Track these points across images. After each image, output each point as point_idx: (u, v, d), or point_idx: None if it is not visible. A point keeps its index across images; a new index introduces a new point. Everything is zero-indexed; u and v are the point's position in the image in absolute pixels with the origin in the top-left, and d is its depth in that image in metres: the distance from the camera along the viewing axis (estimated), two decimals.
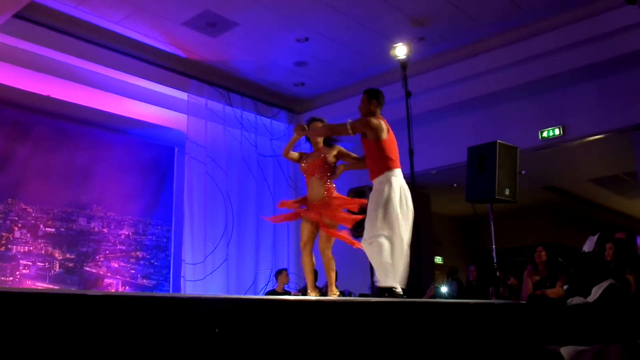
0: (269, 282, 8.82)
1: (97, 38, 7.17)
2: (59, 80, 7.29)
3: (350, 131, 4.48)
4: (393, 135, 4.53)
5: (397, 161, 4.45)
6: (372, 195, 4.39)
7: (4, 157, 7.44)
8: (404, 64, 6.10)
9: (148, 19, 7.02)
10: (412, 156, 5.75)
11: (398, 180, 4.38)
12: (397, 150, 4.50)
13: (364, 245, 4.37)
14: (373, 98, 4.60)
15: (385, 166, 4.38)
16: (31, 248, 7.46)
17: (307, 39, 7.54)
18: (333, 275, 4.79)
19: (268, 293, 8.34)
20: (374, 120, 4.42)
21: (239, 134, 8.94)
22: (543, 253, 6.05)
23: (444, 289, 7.86)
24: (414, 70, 6.94)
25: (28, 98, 7.49)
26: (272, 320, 2.40)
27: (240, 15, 6.99)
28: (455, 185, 10.07)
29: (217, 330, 2.15)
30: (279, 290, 7.98)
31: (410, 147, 5.76)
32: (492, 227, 5.91)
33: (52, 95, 7.45)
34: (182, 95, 8.22)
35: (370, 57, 8.03)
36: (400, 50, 6.16)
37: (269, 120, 9.30)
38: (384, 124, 4.45)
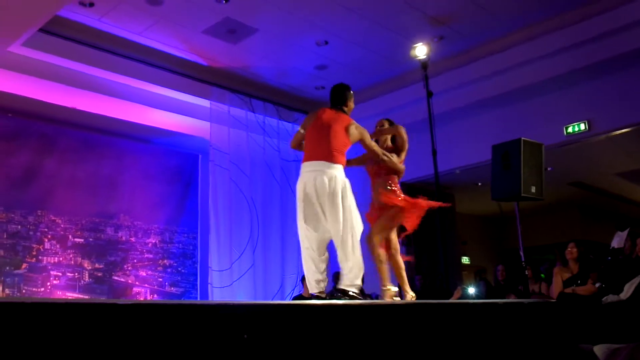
0: (295, 287, 8.83)
1: (120, 49, 7.26)
2: (83, 92, 7.40)
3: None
4: (314, 126, 4.47)
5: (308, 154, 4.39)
6: None
7: (33, 169, 7.58)
8: (424, 64, 6.07)
9: (169, 29, 7.09)
10: (435, 156, 5.72)
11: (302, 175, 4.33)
12: (310, 142, 4.43)
13: None
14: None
15: None
16: (61, 259, 7.58)
17: (326, 42, 7.55)
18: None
19: (295, 298, 8.34)
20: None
21: (261, 140, 8.97)
22: (575, 250, 5.95)
23: (471, 290, 7.77)
24: (435, 69, 6.90)
25: (54, 110, 7.63)
26: (299, 325, 2.41)
27: (260, 21, 7.02)
28: (479, 184, 9.98)
29: (245, 335, 2.16)
30: (305, 295, 7.98)
31: (434, 147, 5.72)
32: (519, 226, 5.84)
33: (77, 107, 7.56)
34: (205, 103, 8.28)
35: (391, 58, 8.01)
36: (421, 50, 6.13)
37: (291, 124, 9.32)
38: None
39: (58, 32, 6.74)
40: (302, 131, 4.44)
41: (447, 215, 10.21)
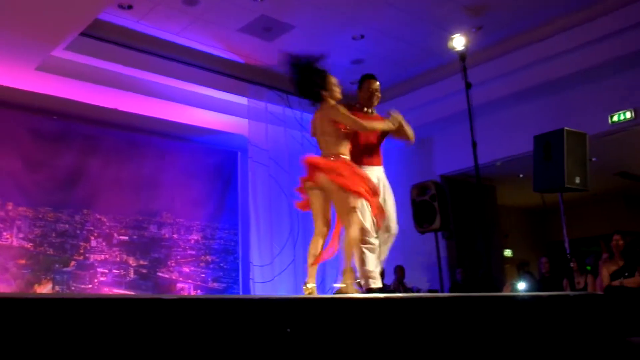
0: (336, 281, 8.84)
1: (158, 50, 7.38)
2: (125, 92, 7.55)
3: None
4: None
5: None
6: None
7: (78, 170, 7.79)
8: (462, 55, 5.98)
9: (206, 28, 7.17)
10: (475, 148, 5.64)
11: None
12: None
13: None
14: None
15: None
16: (107, 256, 7.77)
17: (362, 37, 7.53)
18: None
19: (337, 292, 8.37)
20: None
21: (299, 135, 9.00)
22: (621, 242, 5.81)
23: (521, 285, 7.62)
24: (473, 60, 6.80)
25: (97, 112, 7.81)
26: (342, 318, 2.41)
27: (295, 18, 7.04)
28: (521, 175, 9.80)
29: (288, 330, 2.18)
30: (350, 290, 8.01)
31: (473, 139, 5.65)
32: (563, 217, 5.72)
33: (119, 108, 7.73)
34: (242, 100, 8.35)
35: (428, 50, 7.93)
36: (458, 41, 6.05)
37: None
38: None
39: (99, 35, 6.89)
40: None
41: (489, 207, 10.09)
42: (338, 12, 6.94)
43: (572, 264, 5.93)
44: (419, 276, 8.17)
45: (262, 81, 8.45)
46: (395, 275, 8.42)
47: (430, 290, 8.12)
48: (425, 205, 7.88)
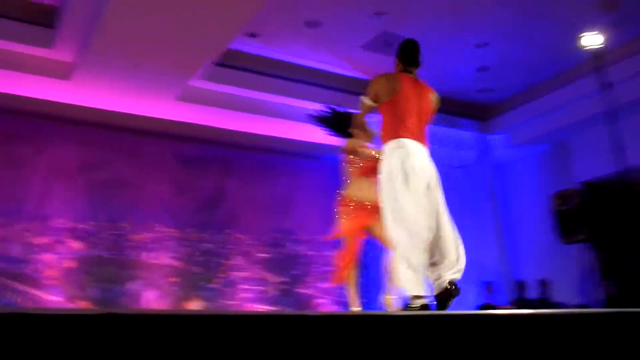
0: (477, 296, 8.61)
1: (285, 73, 7.64)
2: (256, 116, 7.90)
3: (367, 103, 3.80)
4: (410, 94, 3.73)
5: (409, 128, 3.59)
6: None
7: (218, 192, 8.27)
8: (597, 54, 5.64)
9: (329, 48, 7.35)
10: (620, 152, 5.27)
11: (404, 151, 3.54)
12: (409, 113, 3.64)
13: None
14: (396, 57, 3.92)
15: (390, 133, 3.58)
16: (248, 273, 8.14)
17: (486, 44, 7.34)
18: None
19: (480, 307, 8.16)
20: (377, 77, 3.77)
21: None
22: None
23: None
24: (611, 57, 6.38)
25: (232, 136, 8.25)
26: (490, 335, 2.36)
27: (416, 31, 6.97)
28: None
29: (432, 346, 2.16)
30: (488, 304, 7.80)
31: (617, 143, 5.28)
32: None
33: (251, 131, 8.08)
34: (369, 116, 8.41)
35: (558, 51, 7.56)
36: (591, 39, 5.71)
37: (454, 130, 9.15)
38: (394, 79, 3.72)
39: (230, 63, 7.29)
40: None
41: None
42: (459, 22, 6.83)
43: None
44: (565, 290, 7.73)
45: None
46: (540, 289, 8.06)
47: (579, 305, 7.67)
48: (569, 214, 7.48)
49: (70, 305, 6.97)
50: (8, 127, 7.23)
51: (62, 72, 6.72)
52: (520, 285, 8.29)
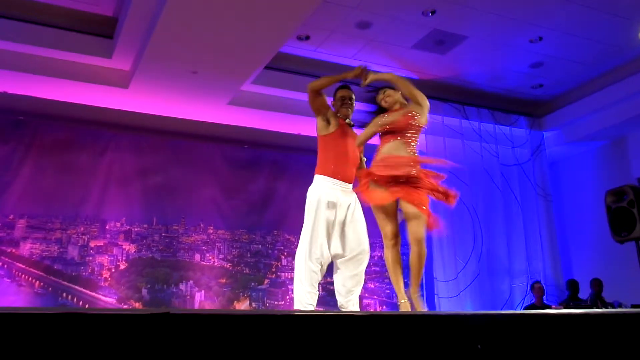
0: (526, 295, 8.45)
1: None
2: (305, 118, 7.96)
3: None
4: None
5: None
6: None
7: (267, 194, 8.37)
8: None
9: (380, 49, 7.34)
10: None
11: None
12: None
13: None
14: None
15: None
16: None
17: (540, 39, 7.18)
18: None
19: (527, 307, 8.00)
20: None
21: (478, 146, 8.80)
22: None
23: None
24: None
25: (282, 138, 8.34)
26: (535, 335, 2.33)
27: (468, 28, 6.94)
28: None
29: (479, 346, 2.15)
30: (537, 304, 7.62)
31: None
32: None
33: (301, 133, 8.15)
34: None
35: (614, 45, 7.34)
36: None
37: (508, 128, 9.01)
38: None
39: (281, 67, 7.37)
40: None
41: None
42: (512, 17, 6.71)
43: None
44: (620, 289, 7.49)
45: (437, 95, 8.41)
46: (592, 289, 7.84)
47: (634, 305, 7.42)
48: (622, 212, 7.23)
49: (123, 306, 7.18)
50: (69, 134, 7.52)
51: (120, 80, 6.95)
52: (573, 285, 8.09)
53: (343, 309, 4.03)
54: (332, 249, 3.96)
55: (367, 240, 4.13)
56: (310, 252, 3.90)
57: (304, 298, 3.87)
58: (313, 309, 3.86)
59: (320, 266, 3.96)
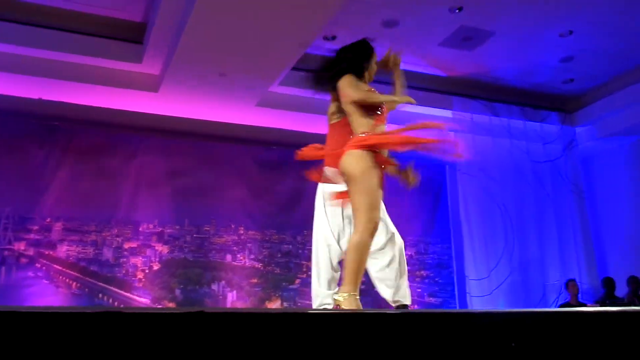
0: (560, 294, 8.33)
1: None
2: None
3: None
4: None
5: None
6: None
7: (296, 194, 8.39)
8: None
9: (407, 47, 7.30)
10: None
11: None
12: None
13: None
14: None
15: None
16: None
17: (571, 32, 7.07)
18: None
19: (562, 305, 7.89)
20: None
21: (508, 143, 8.71)
22: None
23: None
24: None
25: (310, 139, 8.34)
26: (569, 333, 2.30)
27: (496, 24, 6.87)
28: None
29: (513, 344, 2.14)
30: (572, 302, 7.51)
31: None
32: None
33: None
34: (446, 113, 8.32)
35: None
36: None
37: (538, 124, 8.89)
38: None
39: (307, 67, 7.39)
40: None
41: None
42: (541, 11, 6.62)
43: None
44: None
45: (466, 92, 8.36)
46: (629, 287, 7.70)
47: None
48: None
49: (158, 307, 7.29)
50: (101, 139, 7.66)
51: (150, 85, 7.07)
52: (609, 283, 7.95)
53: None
54: None
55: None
56: None
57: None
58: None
59: None
